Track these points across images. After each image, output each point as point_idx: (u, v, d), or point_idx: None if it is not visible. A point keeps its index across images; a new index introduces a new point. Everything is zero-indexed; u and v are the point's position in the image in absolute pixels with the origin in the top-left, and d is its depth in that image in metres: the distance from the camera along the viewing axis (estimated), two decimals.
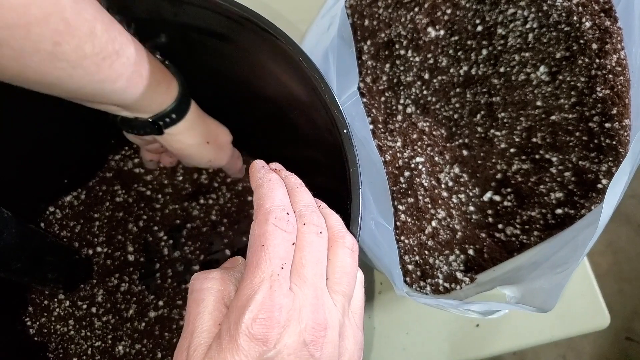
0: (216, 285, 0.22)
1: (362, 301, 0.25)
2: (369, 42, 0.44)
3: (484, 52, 0.43)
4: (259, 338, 0.19)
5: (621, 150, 0.38)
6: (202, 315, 0.21)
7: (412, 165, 0.42)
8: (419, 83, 0.45)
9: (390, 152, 0.42)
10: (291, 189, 0.25)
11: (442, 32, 0.44)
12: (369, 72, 0.44)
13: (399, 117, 0.44)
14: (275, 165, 0.27)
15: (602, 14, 0.40)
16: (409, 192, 0.41)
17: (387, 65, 0.44)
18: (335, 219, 0.25)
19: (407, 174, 0.42)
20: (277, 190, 0.23)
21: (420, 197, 0.41)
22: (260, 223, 0.22)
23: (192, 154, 0.40)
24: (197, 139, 0.40)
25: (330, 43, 0.36)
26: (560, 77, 0.41)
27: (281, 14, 0.52)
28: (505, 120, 0.43)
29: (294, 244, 0.22)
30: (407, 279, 0.39)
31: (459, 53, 0.44)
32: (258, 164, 0.26)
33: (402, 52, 0.44)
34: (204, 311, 0.22)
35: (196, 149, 0.40)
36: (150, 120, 0.36)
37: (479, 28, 0.43)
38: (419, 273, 0.39)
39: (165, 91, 0.35)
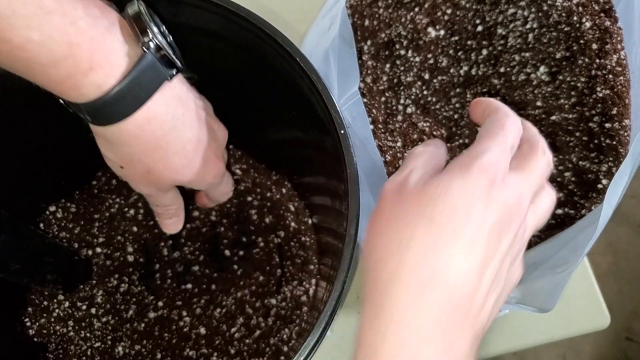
0: (424, 149, 0.27)
1: None
2: (369, 42, 0.44)
3: (484, 52, 0.43)
4: (489, 177, 0.23)
5: (621, 150, 0.38)
6: (416, 162, 0.25)
7: None
8: (419, 83, 0.45)
9: (391, 152, 0.42)
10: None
11: (442, 32, 0.44)
12: (369, 72, 0.44)
13: (399, 118, 0.44)
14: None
15: (602, 14, 0.40)
16: None
17: (387, 66, 0.44)
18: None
19: None
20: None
21: None
22: (501, 114, 0.26)
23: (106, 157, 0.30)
24: (114, 156, 0.29)
25: (331, 43, 0.36)
26: (561, 77, 0.41)
27: (279, 14, 0.52)
28: None
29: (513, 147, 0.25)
30: None
31: (459, 53, 0.44)
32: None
33: (403, 52, 0.44)
34: (418, 160, 0.26)
35: (111, 163, 0.30)
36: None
37: (479, 28, 0.43)
38: None
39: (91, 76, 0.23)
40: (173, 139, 0.29)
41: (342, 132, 0.29)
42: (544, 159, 0.26)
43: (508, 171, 0.24)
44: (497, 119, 0.26)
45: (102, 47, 0.24)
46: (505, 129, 0.25)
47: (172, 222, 0.39)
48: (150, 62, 0.26)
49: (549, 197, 0.27)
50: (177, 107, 0.29)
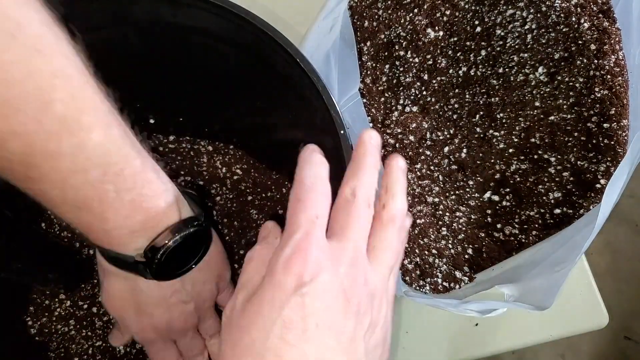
0: (255, 253, 0.25)
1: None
2: (368, 43, 0.44)
3: (483, 53, 0.43)
4: (296, 273, 0.21)
5: (619, 150, 0.38)
6: (248, 274, 0.24)
7: None
8: (418, 84, 0.45)
9: (389, 148, 0.43)
10: (355, 165, 0.26)
11: (441, 33, 0.44)
12: (368, 73, 0.44)
13: (396, 114, 0.45)
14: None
15: (600, 15, 0.40)
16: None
17: (387, 66, 0.45)
18: (396, 198, 0.26)
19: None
20: (319, 165, 0.25)
21: None
22: (295, 186, 0.24)
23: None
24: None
25: (332, 45, 0.36)
26: (559, 78, 0.41)
27: (280, 16, 0.52)
28: (504, 121, 0.43)
29: (330, 204, 0.24)
30: (407, 278, 0.39)
31: (458, 54, 0.44)
32: (310, 147, 0.27)
33: (402, 53, 0.44)
34: (249, 270, 0.24)
35: None
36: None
37: (478, 29, 0.43)
38: (418, 272, 0.39)
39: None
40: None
41: (342, 132, 0.29)
42: (357, 207, 0.24)
43: (321, 243, 0.22)
44: (293, 194, 0.24)
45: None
46: (304, 202, 0.23)
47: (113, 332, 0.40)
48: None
49: (377, 243, 0.25)
50: None
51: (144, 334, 0.34)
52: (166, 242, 0.27)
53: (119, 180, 0.24)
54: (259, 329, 0.21)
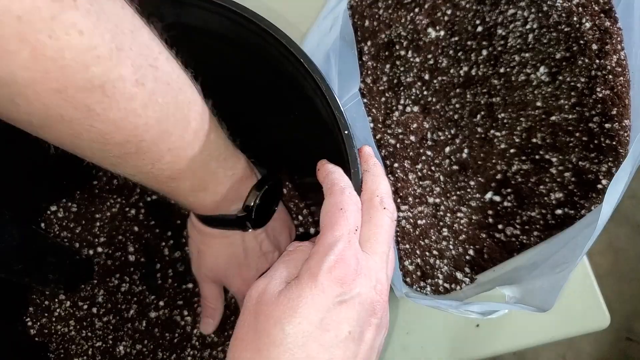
0: (282, 266, 0.26)
1: None
2: (369, 43, 0.44)
3: (484, 52, 0.43)
4: (338, 279, 0.22)
5: (621, 150, 0.38)
6: (273, 279, 0.24)
7: None
8: (419, 84, 0.45)
9: (390, 148, 0.42)
10: (376, 177, 0.28)
11: (442, 33, 0.44)
12: (369, 72, 0.44)
13: (397, 113, 0.44)
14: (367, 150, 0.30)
15: (602, 15, 0.40)
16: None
17: (388, 66, 0.44)
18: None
19: None
20: (347, 178, 0.27)
21: None
22: (336, 193, 0.26)
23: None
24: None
25: (332, 44, 0.36)
26: (560, 78, 0.41)
27: (282, 15, 0.52)
28: (505, 121, 0.43)
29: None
30: (408, 279, 0.39)
31: (459, 54, 0.44)
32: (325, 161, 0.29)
33: (403, 52, 0.44)
34: (273, 275, 0.25)
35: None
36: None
37: (479, 29, 0.43)
38: (419, 273, 0.39)
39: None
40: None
41: (346, 132, 0.29)
42: (385, 217, 0.26)
43: (358, 255, 0.23)
44: (334, 201, 0.25)
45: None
46: (345, 212, 0.24)
47: (204, 321, 0.43)
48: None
49: (391, 251, 0.27)
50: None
51: (245, 291, 0.38)
52: (255, 198, 0.34)
53: (224, 164, 0.31)
54: (294, 325, 0.21)
